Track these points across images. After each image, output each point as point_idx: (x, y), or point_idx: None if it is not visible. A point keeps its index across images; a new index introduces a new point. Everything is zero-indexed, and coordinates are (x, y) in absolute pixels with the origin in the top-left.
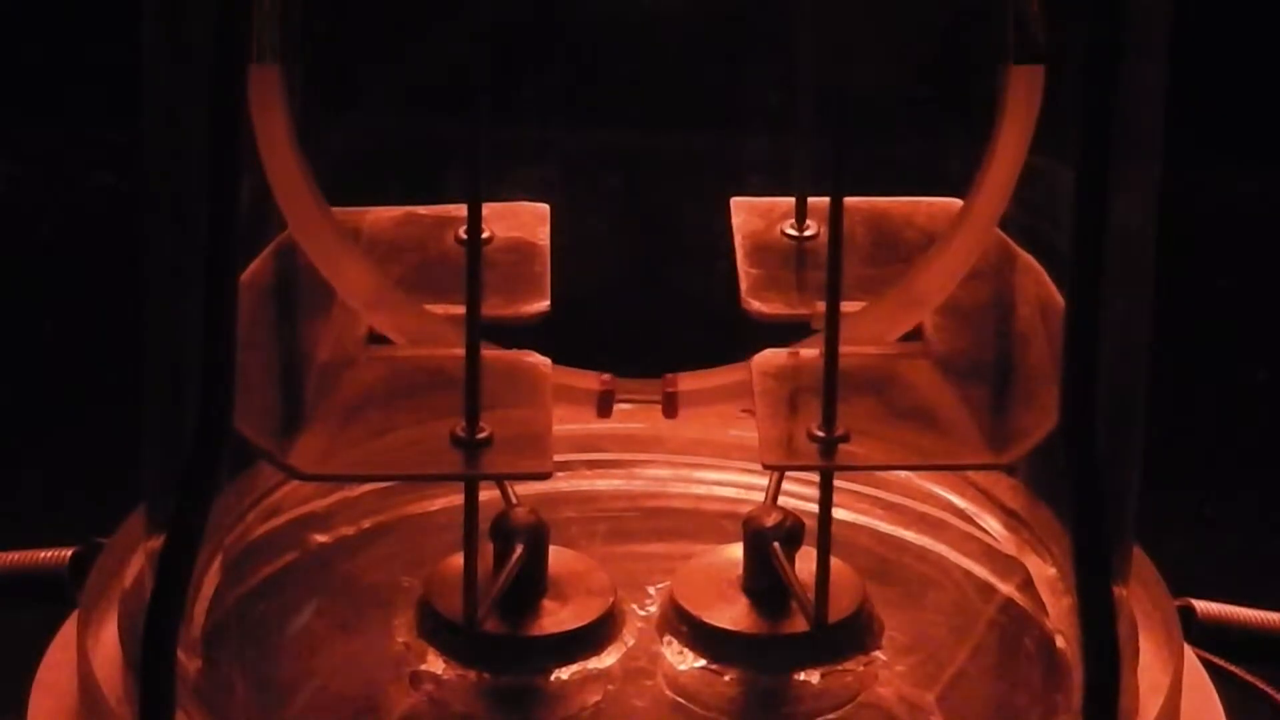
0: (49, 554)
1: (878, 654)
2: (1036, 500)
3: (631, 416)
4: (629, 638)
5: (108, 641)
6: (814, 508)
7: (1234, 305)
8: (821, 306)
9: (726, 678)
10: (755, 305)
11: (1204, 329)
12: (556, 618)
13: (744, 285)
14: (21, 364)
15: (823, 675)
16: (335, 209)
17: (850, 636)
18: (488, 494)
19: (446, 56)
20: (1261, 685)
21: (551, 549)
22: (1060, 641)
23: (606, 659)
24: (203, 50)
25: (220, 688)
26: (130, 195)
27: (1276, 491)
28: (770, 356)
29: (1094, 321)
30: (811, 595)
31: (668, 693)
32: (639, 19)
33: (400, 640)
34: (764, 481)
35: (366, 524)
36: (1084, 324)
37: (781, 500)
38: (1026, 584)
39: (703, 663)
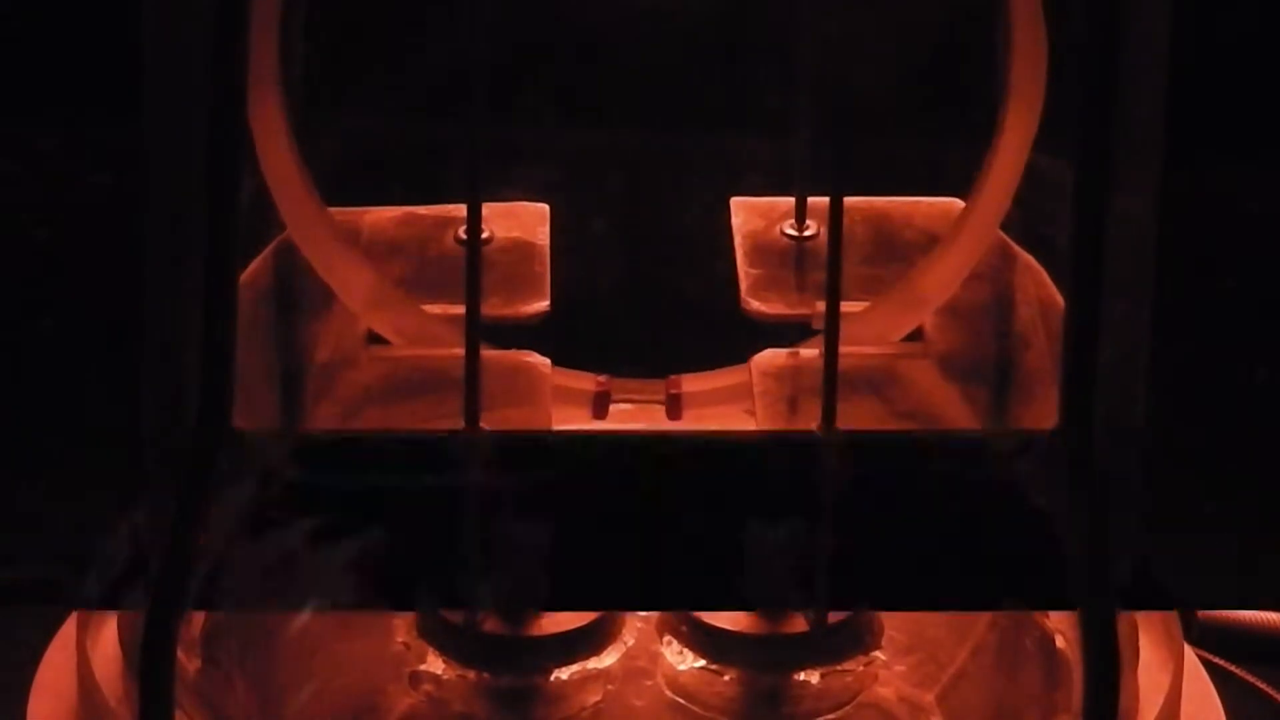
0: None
1: (878, 654)
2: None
3: (632, 417)
4: (629, 638)
5: (108, 641)
6: None
7: (1235, 305)
8: (821, 306)
9: (726, 678)
10: (755, 305)
11: (1204, 329)
12: (556, 618)
13: (744, 285)
14: (21, 364)
15: (823, 675)
16: (335, 209)
17: (850, 636)
18: None
19: (446, 56)
20: (1261, 685)
21: None
22: (1060, 641)
23: (606, 659)
24: (203, 50)
25: (220, 688)
26: (130, 195)
27: (1277, 491)
28: (770, 356)
29: (1094, 321)
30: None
31: (667, 693)
32: (639, 19)
33: (400, 640)
34: None
35: None
36: (1084, 324)
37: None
38: None
39: (703, 663)
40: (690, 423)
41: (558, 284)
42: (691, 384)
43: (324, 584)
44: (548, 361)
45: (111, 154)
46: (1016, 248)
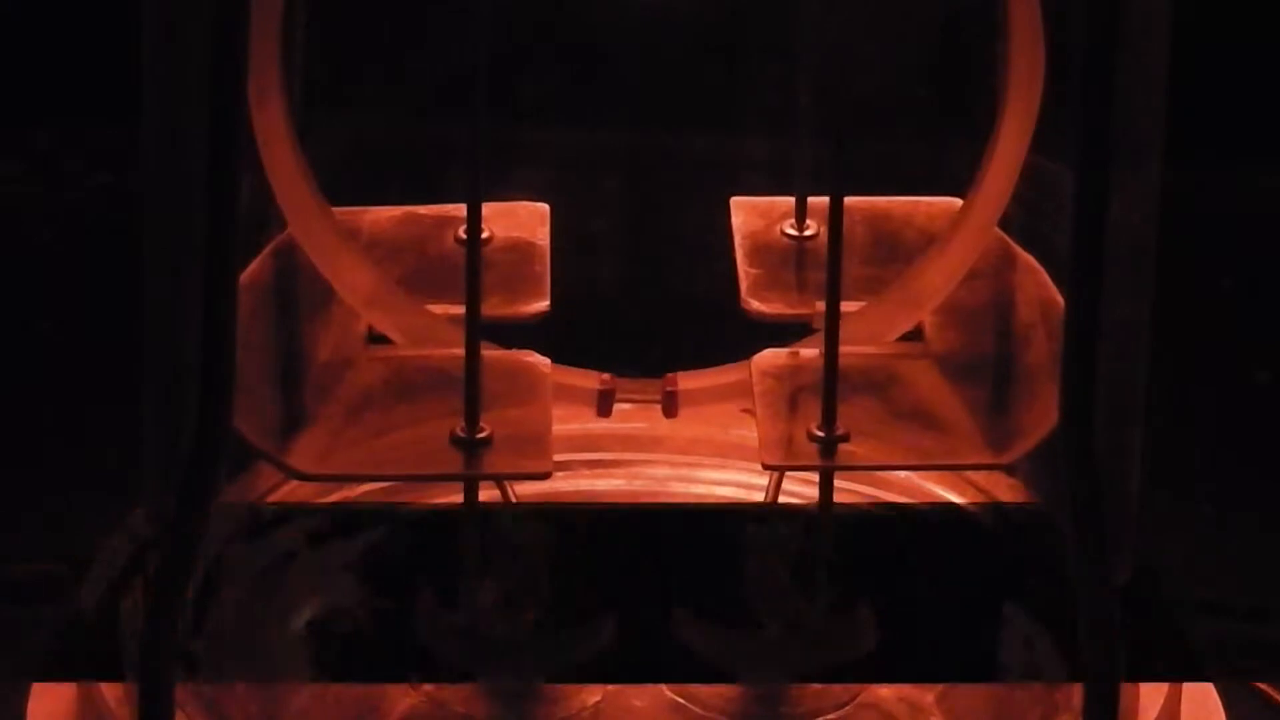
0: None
1: None
2: (1036, 500)
3: (631, 416)
4: None
5: None
6: None
7: (1234, 305)
8: (821, 306)
9: None
10: (755, 305)
11: (1204, 329)
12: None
13: (744, 285)
14: (21, 364)
15: None
16: (335, 209)
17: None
18: (487, 494)
19: (446, 56)
20: (1262, 685)
21: None
22: None
23: None
24: (203, 50)
25: (220, 688)
26: (130, 195)
27: (1277, 491)
28: (770, 356)
29: (1094, 321)
30: None
31: (668, 693)
32: (639, 19)
33: None
34: (764, 481)
35: None
36: (1084, 324)
37: (781, 500)
38: None
39: None
40: (686, 421)
41: (558, 284)
42: (688, 381)
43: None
44: (548, 361)
45: (111, 154)
46: (1016, 247)
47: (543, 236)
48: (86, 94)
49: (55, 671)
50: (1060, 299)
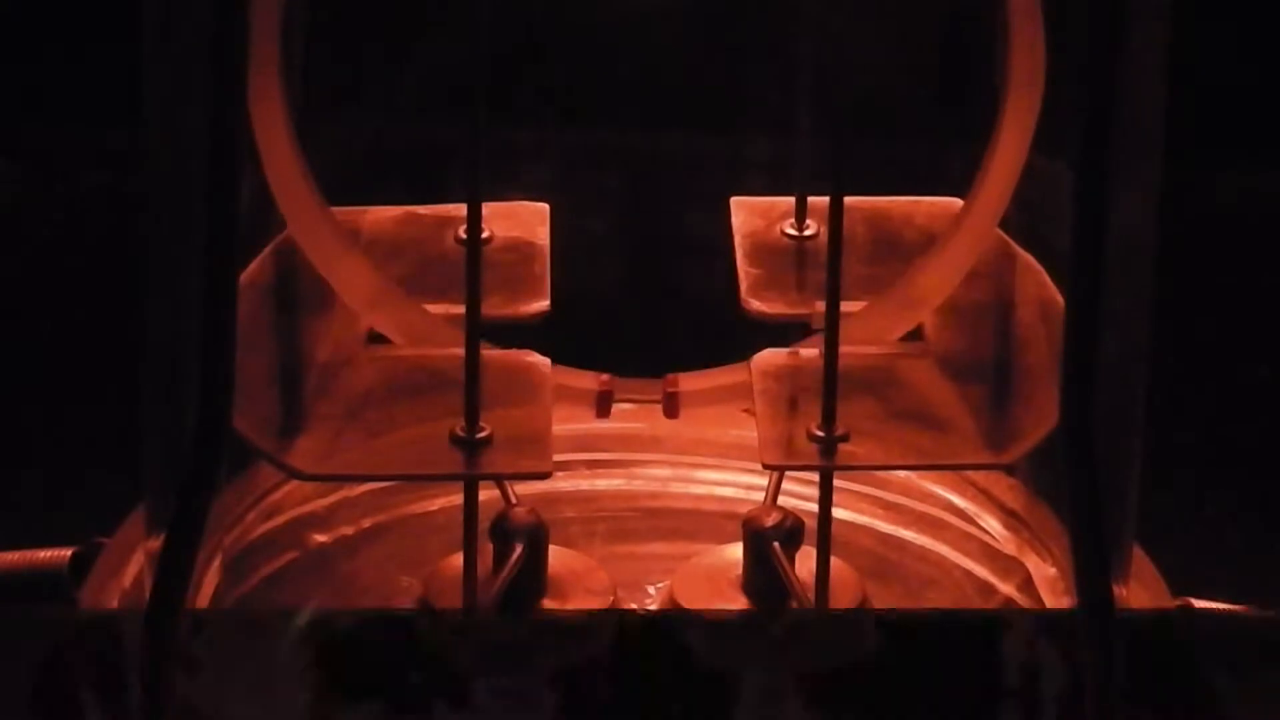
0: (49, 554)
1: None
2: (1036, 500)
3: (631, 416)
4: None
5: None
6: (814, 508)
7: (1234, 304)
8: (821, 306)
9: None
10: (755, 305)
11: (1204, 329)
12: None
13: (744, 285)
14: (21, 364)
15: None
16: (335, 209)
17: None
18: (487, 494)
19: (446, 56)
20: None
21: (551, 549)
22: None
23: None
24: (202, 50)
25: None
26: (130, 195)
27: (1276, 491)
28: (770, 356)
29: (1094, 321)
30: (811, 595)
31: None
32: (639, 19)
33: None
34: (764, 481)
35: (366, 524)
36: (1084, 324)
37: (781, 500)
38: (1026, 584)
39: None
40: (686, 421)
41: (558, 284)
42: (689, 382)
43: None
44: (548, 361)
45: (111, 154)
46: (1016, 247)
47: (543, 236)
48: (86, 94)
49: (55, 671)
50: (1060, 299)
